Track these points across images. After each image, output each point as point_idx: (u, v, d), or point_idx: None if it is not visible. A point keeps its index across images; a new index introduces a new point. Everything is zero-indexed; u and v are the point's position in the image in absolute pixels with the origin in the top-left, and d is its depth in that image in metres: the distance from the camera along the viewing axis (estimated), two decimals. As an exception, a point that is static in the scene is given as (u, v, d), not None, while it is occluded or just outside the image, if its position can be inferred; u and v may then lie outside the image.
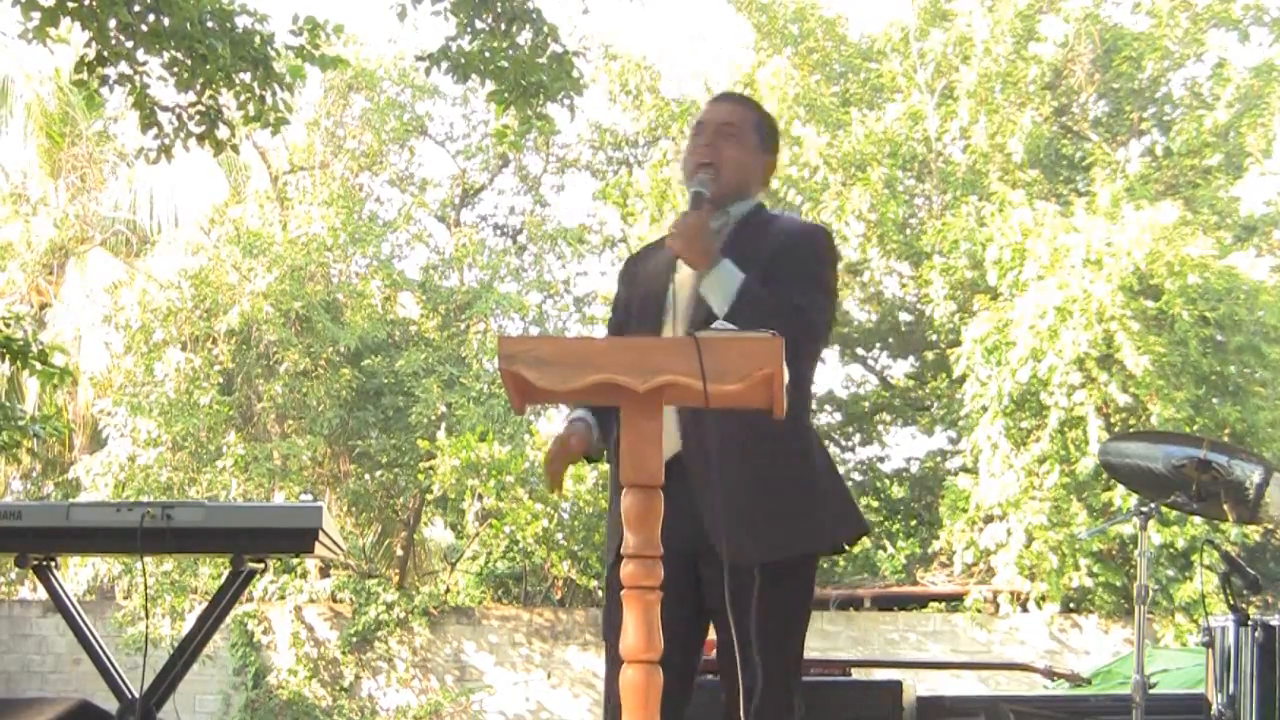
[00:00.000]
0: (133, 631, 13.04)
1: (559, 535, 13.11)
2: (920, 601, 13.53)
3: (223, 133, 6.80)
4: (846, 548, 3.26)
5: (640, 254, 3.37)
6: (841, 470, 16.31)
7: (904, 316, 15.30)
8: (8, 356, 7.18)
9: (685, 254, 2.94)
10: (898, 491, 15.62)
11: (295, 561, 13.21)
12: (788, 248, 3.06)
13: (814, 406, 16.51)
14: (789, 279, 2.99)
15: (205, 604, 4.09)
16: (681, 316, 3.02)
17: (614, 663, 2.98)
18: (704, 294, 2.94)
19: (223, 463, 13.75)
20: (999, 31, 13.49)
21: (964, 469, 13.14)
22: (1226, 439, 10.84)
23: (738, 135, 3.16)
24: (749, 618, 2.68)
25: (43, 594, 11.58)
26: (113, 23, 6.35)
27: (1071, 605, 12.27)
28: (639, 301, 3.16)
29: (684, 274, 3.06)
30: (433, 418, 14.01)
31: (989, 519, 12.14)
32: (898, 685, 4.52)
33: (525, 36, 7.09)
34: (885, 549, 14.97)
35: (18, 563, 3.83)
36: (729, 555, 2.65)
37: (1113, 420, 11.66)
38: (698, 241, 2.93)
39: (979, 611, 12.65)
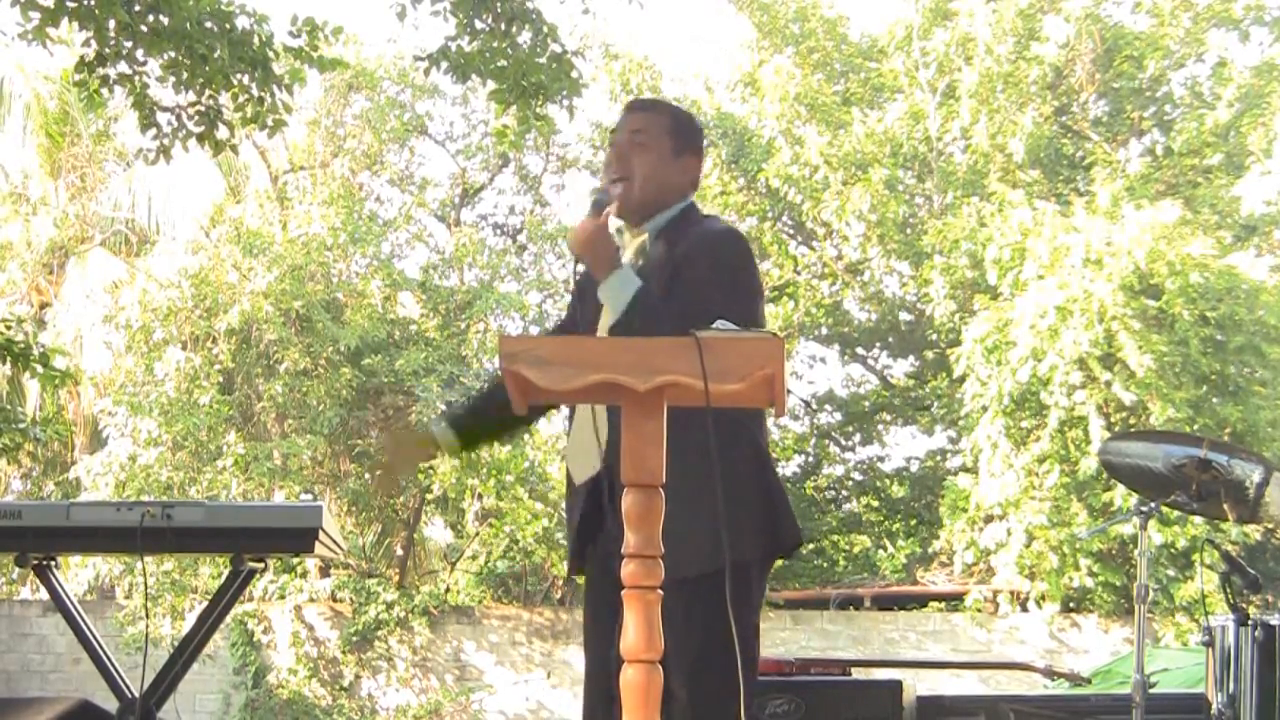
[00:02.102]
0: (133, 631, 13.04)
1: (559, 535, 13.10)
2: (920, 601, 13.53)
3: (222, 133, 6.80)
4: (781, 557, 3.22)
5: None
6: (841, 470, 16.33)
7: (904, 316, 15.31)
8: (9, 359, 7.17)
9: (583, 260, 2.94)
10: (898, 491, 15.61)
11: (295, 561, 13.22)
12: (700, 253, 2.99)
13: (814, 406, 16.28)
14: (698, 282, 2.93)
15: (205, 603, 4.09)
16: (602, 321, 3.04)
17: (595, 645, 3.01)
18: (601, 300, 2.95)
19: (223, 462, 13.75)
20: (1001, 31, 13.49)
21: (964, 469, 13.14)
22: (1227, 439, 10.84)
23: (647, 144, 3.11)
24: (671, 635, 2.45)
25: (43, 594, 11.59)
26: (112, 23, 6.35)
27: (1071, 605, 12.27)
28: (585, 302, 3.17)
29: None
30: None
31: (989, 519, 12.14)
32: (898, 685, 4.52)
33: (525, 37, 7.09)
34: (885, 549, 14.97)
35: (18, 562, 3.83)
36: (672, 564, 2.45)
37: (1113, 420, 11.66)
38: (591, 249, 2.93)
39: (979, 611, 12.65)
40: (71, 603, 4.00)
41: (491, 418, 3.31)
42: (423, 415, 13.97)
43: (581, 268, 3.09)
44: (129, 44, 6.48)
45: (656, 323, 2.73)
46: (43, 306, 16.06)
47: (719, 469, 2.80)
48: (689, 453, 2.68)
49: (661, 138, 3.14)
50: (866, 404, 16.05)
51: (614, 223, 3.21)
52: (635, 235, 3.14)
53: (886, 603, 13.58)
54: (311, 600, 14.16)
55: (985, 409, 12.05)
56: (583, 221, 2.96)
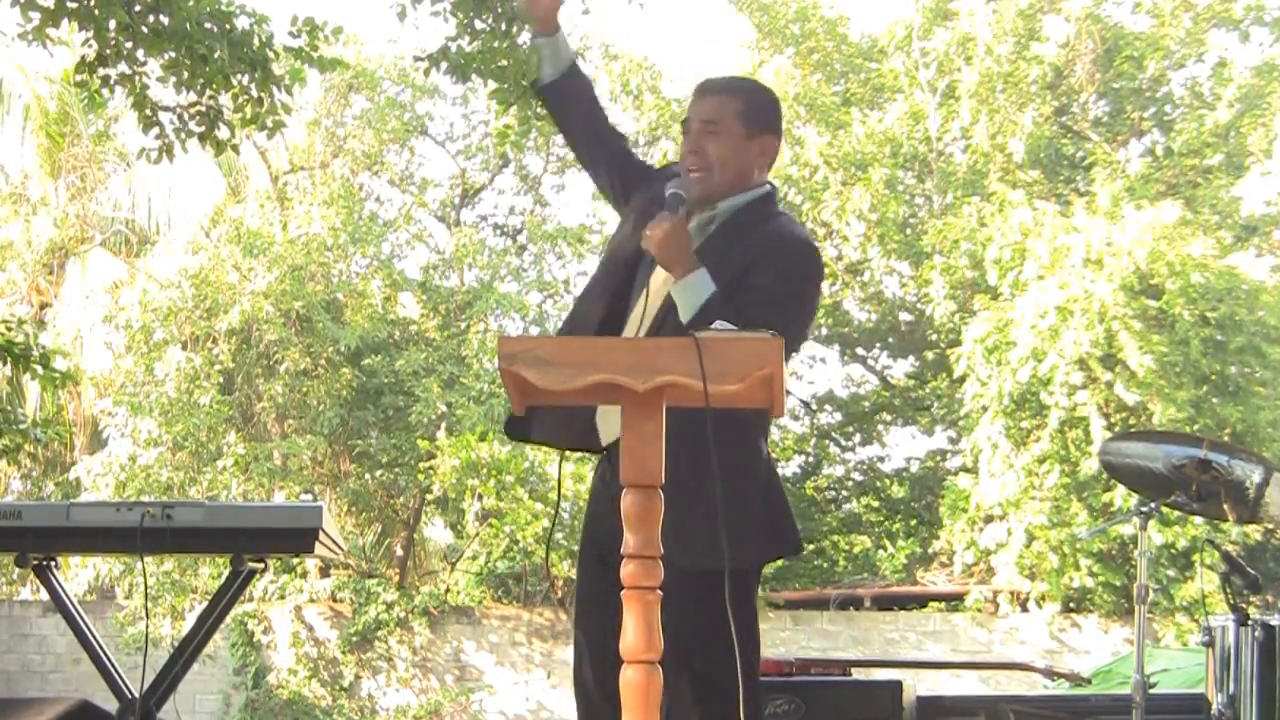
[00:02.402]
0: (133, 631, 13.04)
1: (559, 535, 13.10)
2: (920, 601, 13.53)
3: (223, 133, 6.79)
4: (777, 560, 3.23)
5: (658, 175, 3.27)
6: (841, 470, 16.33)
7: (904, 316, 15.31)
8: (10, 360, 7.16)
9: (660, 259, 2.90)
10: (898, 491, 15.62)
11: (295, 561, 13.22)
12: (769, 257, 2.96)
13: (814, 406, 16.35)
14: (762, 293, 2.89)
15: (205, 604, 4.09)
16: (651, 308, 2.99)
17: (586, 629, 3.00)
18: (674, 295, 2.90)
19: (223, 462, 13.75)
20: (1001, 31, 13.49)
21: (964, 469, 13.14)
22: (1227, 439, 10.84)
23: (721, 131, 3.06)
24: (677, 625, 2.50)
25: (43, 594, 11.59)
26: (112, 23, 6.34)
27: (1071, 605, 12.27)
28: (631, 218, 3.13)
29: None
30: (433, 417, 14.01)
31: (989, 519, 12.14)
32: (898, 685, 4.52)
33: (525, 37, 7.09)
34: (885, 549, 14.97)
35: (18, 563, 3.83)
36: (676, 560, 2.42)
37: (1113, 420, 11.66)
38: (671, 248, 2.87)
39: (979, 611, 12.65)
40: (71, 603, 4.00)
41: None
42: (423, 415, 13.98)
43: (619, 233, 3.16)
44: (129, 44, 6.47)
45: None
46: (43, 307, 16.05)
47: (729, 467, 2.86)
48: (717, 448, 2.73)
49: (733, 122, 3.07)
50: (866, 404, 16.05)
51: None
52: (702, 212, 3.07)
53: (886, 603, 13.58)
54: (311, 600, 14.16)
55: (985, 409, 12.05)
56: (661, 218, 2.90)
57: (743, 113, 3.09)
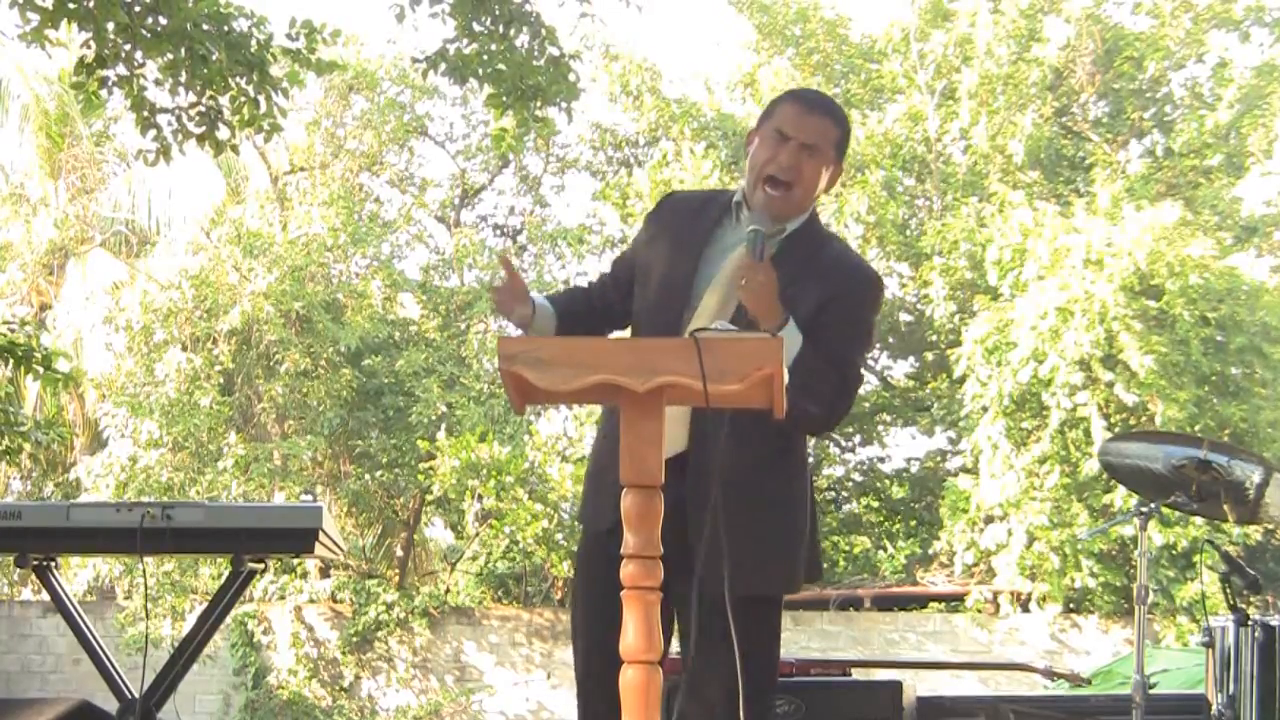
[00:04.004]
0: (133, 632, 13.04)
1: (559, 535, 13.10)
2: (920, 602, 13.53)
3: (223, 133, 6.80)
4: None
5: (681, 202, 3.23)
6: (841, 471, 16.33)
7: (904, 317, 15.31)
8: (11, 361, 7.16)
9: (755, 311, 2.78)
10: (898, 492, 15.62)
11: (295, 561, 13.21)
12: (844, 293, 2.94)
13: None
14: (839, 331, 2.89)
15: (205, 604, 4.09)
16: (723, 286, 2.93)
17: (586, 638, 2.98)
18: None
19: (223, 463, 13.75)
20: (1001, 33, 13.49)
21: (964, 469, 13.14)
22: (1228, 439, 10.85)
23: (817, 156, 3.01)
24: (720, 646, 2.54)
25: (43, 595, 11.59)
26: (111, 25, 6.34)
27: (1072, 606, 12.27)
28: (667, 250, 3.06)
29: (740, 249, 2.91)
30: (433, 418, 14.01)
31: (989, 519, 12.14)
32: (898, 685, 4.52)
33: (523, 39, 7.09)
34: (885, 549, 14.97)
35: (18, 563, 3.83)
36: (708, 582, 2.46)
37: (1113, 421, 11.66)
38: (766, 299, 2.78)
39: (979, 612, 12.65)
40: (71, 603, 4.00)
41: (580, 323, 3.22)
42: (423, 416, 13.98)
43: (637, 240, 3.16)
44: (128, 46, 6.47)
45: (814, 380, 2.72)
46: (43, 308, 16.05)
47: (791, 496, 2.96)
48: (775, 470, 2.83)
49: (830, 151, 3.04)
50: (866, 404, 16.04)
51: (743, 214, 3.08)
52: (769, 231, 2.99)
53: (886, 603, 13.57)
54: (311, 601, 14.16)
55: (985, 410, 12.05)
56: (756, 268, 2.77)
57: (839, 143, 3.07)
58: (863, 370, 3.02)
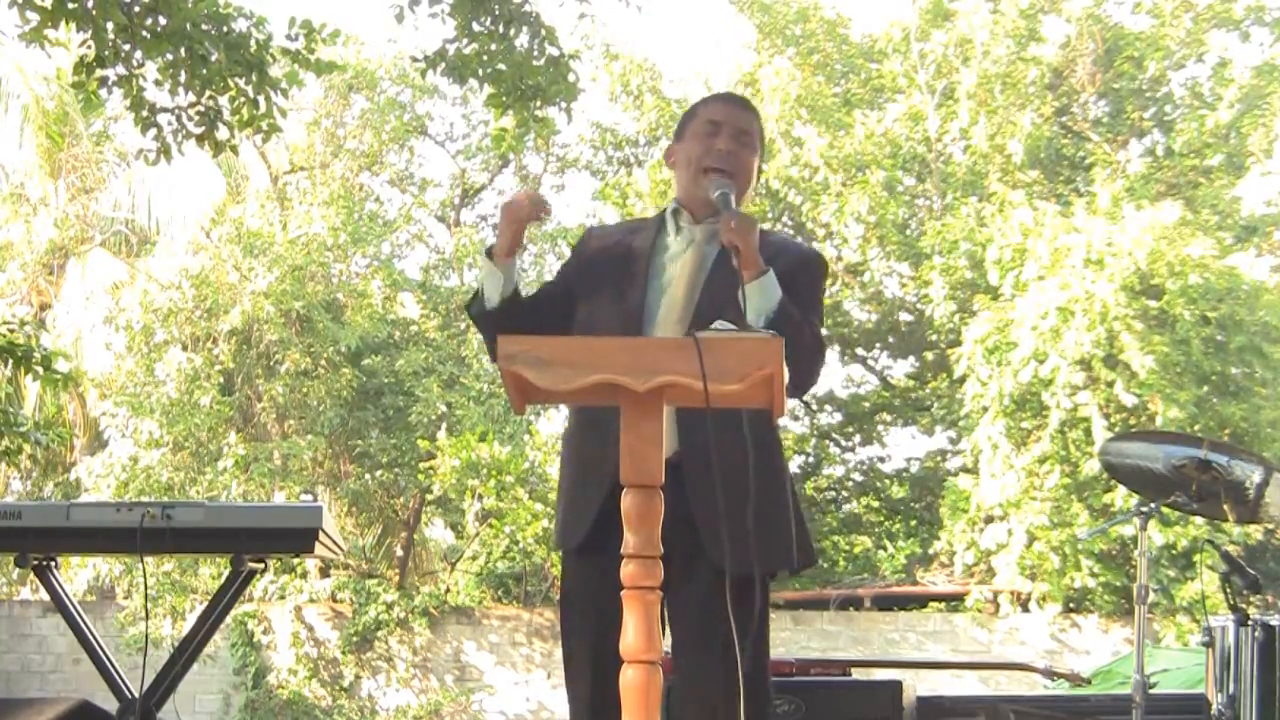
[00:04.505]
0: (134, 632, 13.04)
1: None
2: (920, 601, 13.53)
3: (222, 133, 6.80)
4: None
5: (603, 233, 3.27)
6: (841, 471, 16.31)
7: (904, 316, 15.31)
8: (12, 362, 7.16)
9: (744, 252, 2.79)
10: (898, 491, 15.62)
11: (295, 562, 13.21)
12: (800, 270, 2.99)
13: (814, 407, 16.39)
14: (803, 305, 2.94)
15: (205, 604, 4.09)
16: (679, 296, 2.96)
17: (573, 635, 2.98)
18: (748, 295, 2.79)
19: (223, 463, 13.75)
20: (999, 32, 13.49)
21: (964, 469, 13.14)
22: (1228, 439, 10.84)
23: (750, 147, 3.07)
24: (739, 624, 2.56)
25: (43, 594, 11.58)
26: (110, 25, 6.34)
27: (1072, 605, 12.27)
28: (606, 275, 3.05)
29: (678, 265, 3.00)
30: (433, 418, 14.01)
31: (989, 519, 12.14)
32: (898, 685, 4.52)
33: (523, 39, 7.09)
34: (885, 549, 14.97)
35: (18, 563, 3.82)
36: (730, 563, 2.55)
37: (1114, 420, 11.66)
38: (751, 242, 2.80)
39: (979, 611, 12.65)
40: (71, 603, 4.00)
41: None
42: (423, 416, 13.98)
43: (586, 239, 3.15)
44: (127, 46, 6.47)
45: (791, 338, 2.64)
46: (43, 307, 16.05)
47: (774, 472, 2.96)
48: (766, 454, 2.83)
49: (758, 142, 3.12)
50: (866, 404, 16.06)
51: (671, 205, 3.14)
52: (701, 223, 3.05)
53: (887, 603, 13.58)
54: (311, 601, 14.17)
55: (986, 410, 12.05)
56: (739, 213, 2.84)
57: (762, 136, 3.17)
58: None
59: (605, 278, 3.05)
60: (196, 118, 6.73)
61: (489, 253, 3.09)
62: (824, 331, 3.13)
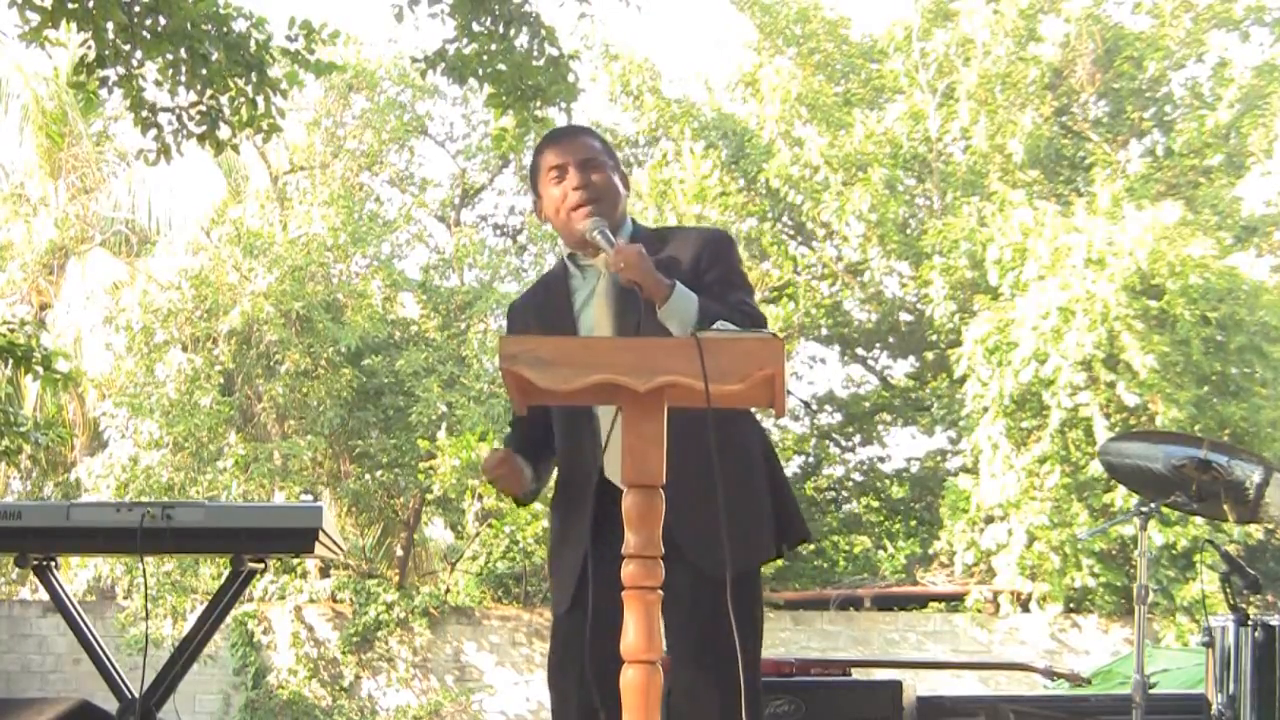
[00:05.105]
0: (134, 632, 13.04)
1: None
2: (920, 601, 13.53)
3: (223, 133, 6.80)
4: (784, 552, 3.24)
5: (524, 303, 3.27)
6: (841, 471, 16.34)
7: (904, 316, 15.31)
8: (12, 362, 7.15)
9: (643, 285, 2.83)
10: (898, 491, 15.62)
11: (295, 562, 13.21)
12: (707, 254, 3.00)
13: (814, 407, 16.35)
14: (723, 284, 2.96)
15: (205, 604, 4.09)
16: (604, 335, 2.99)
17: (564, 701, 3.02)
18: (665, 321, 2.84)
19: (223, 463, 13.75)
20: (1000, 32, 13.49)
21: (964, 469, 13.14)
22: (1228, 439, 10.84)
23: (600, 167, 3.09)
24: (724, 625, 2.56)
25: (43, 594, 11.58)
26: (110, 25, 6.34)
27: (1072, 605, 12.27)
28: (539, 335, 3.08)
29: (594, 309, 3.02)
30: (433, 418, 14.01)
31: (990, 519, 12.14)
32: (898, 685, 4.52)
33: (523, 39, 7.09)
34: (885, 549, 14.97)
35: (18, 563, 3.82)
36: (705, 564, 2.70)
37: (1114, 420, 11.66)
38: (649, 272, 2.83)
39: (979, 611, 12.65)
40: (71, 603, 4.00)
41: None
42: (423, 415, 13.98)
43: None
44: (127, 46, 6.47)
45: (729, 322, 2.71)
46: (43, 307, 16.04)
47: (765, 466, 3.01)
48: (728, 448, 2.77)
49: (605, 159, 3.13)
50: (866, 404, 16.06)
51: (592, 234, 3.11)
52: (600, 256, 3.04)
53: (887, 603, 13.58)
54: (312, 601, 14.16)
55: (986, 410, 12.05)
56: (624, 246, 2.88)
57: (606, 150, 3.17)
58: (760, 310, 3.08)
59: (541, 333, 3.06)
60: (197, 118, 6.73)
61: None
62: (755, 299, 3.13)
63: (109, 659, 3.90)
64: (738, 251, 3.18)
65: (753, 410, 3.06)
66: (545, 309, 3.12)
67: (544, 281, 3.27)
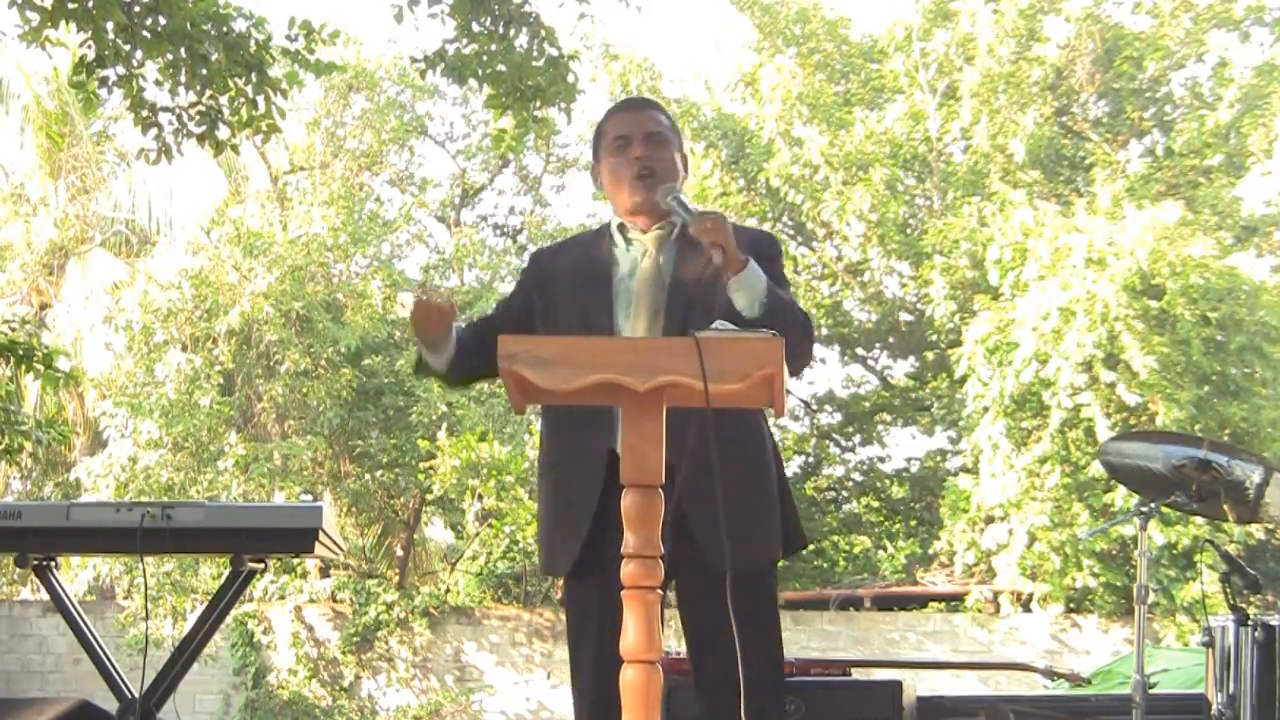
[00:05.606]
0: (135, 632, 13.04)
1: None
2: (920, 601, 13.53)
3: (223, 133, 6.80)
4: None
5: (554, 257, 3.25)
6: (841, 471, 16.35)
7: (904, 316, 15.31)
8: (13, 361, 7.15)
9: (727, 250, 2.80)
10: (898, 491, 15.61)
11: (295, 562, 13.21)
12: (760, 254, 2.99)
13: (814, 407, 16.40)
14: (775, 281, 2.97)
15: (205, 604, 4.09)
16: (644, 309, 2.98)
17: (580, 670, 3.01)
18: (734, 292, 2.84)
19: (223, 463, 13.75)
20: (1002, 32, 13.49)
21: (964, 469, 13.14)
22: (1228, 439, 10.84)
23: (666, 144, 3.10)
24: (742, 620, 2.61)
25: (43, 594, 11.58)
26: (110, 25, 6.34)
27: (1072, 605, 12.27)
28: (568, 296, 3.06)
29: (637, 284, 3.01)
30: (433, 418, 14.01)
31: (990, 520, 12.14)
32: (898, 685, 4.51)
33: (522, 39, 7.09)
34: (885, 549, 14.97)
35: (18, 563, 3.82)
36: (730, 560, 2.64)
37: (1114, 421, 11.66)
38: (731, 237, 2.82)
39: (979, 612, 12.65)
40: (71, 603, 4.00)
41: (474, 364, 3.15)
42: (423, 416, 13.98)
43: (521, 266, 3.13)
44: (127, 46, 6.47)
45: (785, 322, 2.72)
46: (43, 307, 16.05)
47: (750, 461, 3.02)
48: (745, 447, 2.91)
49: (672, 137, 3.14)
50: (866, 404, 16.05)
51: (615, 218, 3.16)
52: (650, 231, 3.06)
53: (886, 603, 13.58)
54: (311, 601, 14.16)
55: (986, 410, 12.04)
56: (707, 211, 2.89)
57: (674, 128, 3.19)
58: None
59: (567, 301, 3.06)
60: (197, 117, 6.73)
61: (420, 354, 3.13)
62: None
63: (109, 659, 3.90)
64: (781, 257, 3.19)
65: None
66: (580, 273, 3.08)
67: (581, 243, 3.22)
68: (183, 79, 6.57)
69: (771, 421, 3.19)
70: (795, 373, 2.91)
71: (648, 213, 3.06)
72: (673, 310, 2.96)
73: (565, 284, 3.08)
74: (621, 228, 3.11)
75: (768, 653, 2.95)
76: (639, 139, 3.08)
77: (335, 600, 14.16)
